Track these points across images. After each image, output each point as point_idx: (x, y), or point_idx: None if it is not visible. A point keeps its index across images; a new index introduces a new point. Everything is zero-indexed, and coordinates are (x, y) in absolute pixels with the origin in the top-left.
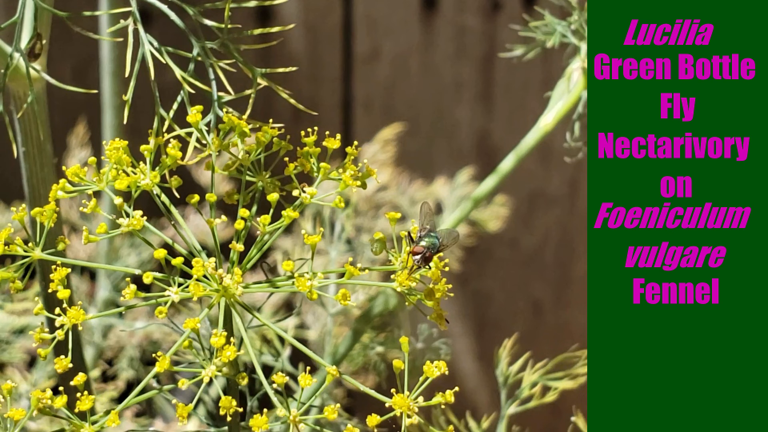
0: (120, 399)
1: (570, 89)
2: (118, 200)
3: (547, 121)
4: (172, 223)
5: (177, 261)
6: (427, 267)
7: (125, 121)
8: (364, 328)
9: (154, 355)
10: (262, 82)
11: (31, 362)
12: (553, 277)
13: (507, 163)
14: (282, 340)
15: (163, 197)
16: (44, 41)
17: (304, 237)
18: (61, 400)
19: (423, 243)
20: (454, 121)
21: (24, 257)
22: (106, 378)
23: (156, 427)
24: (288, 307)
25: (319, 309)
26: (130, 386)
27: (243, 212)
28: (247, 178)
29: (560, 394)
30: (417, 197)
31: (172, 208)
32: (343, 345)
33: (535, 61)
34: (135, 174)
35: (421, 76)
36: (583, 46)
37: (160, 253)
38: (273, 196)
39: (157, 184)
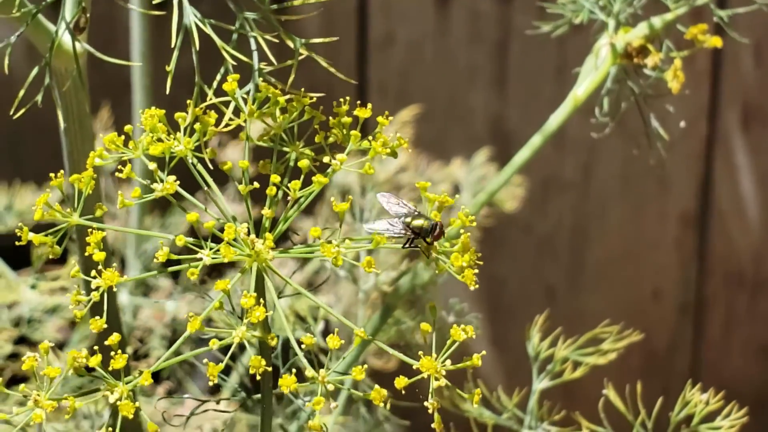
0: (153, 377)
1: (598, 65)
2: (152, 165)
3: (578, 92)
4: (205, 189)
5: (209, 224)
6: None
7: (164, 95)
8: (396, 303)
9: (187, 315)
10: (303, 53)
11: (61, 346)
12: (566, 262)
13: (537, 139)
14: (315, 316)
15: (199, 167)
16: (88, 14)
17: (333, 205)
18: (96, 359)
19: (419, 222)
20: (469, 107)
21: (62, 224)
22: (138, 357)
23: (186, 405)
24: (310, 287)
25: (341, 290)
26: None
27: (274, 178)
28: (280, 148)
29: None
30: (435, 178)
31: (207, 177)
32: (375, 320)
33: (549, 46)
34: (169, 141)
35: (435, 61)
36: (611, 22)
37: (192, 217)
38: (304, 162)
39: (191, 152)
